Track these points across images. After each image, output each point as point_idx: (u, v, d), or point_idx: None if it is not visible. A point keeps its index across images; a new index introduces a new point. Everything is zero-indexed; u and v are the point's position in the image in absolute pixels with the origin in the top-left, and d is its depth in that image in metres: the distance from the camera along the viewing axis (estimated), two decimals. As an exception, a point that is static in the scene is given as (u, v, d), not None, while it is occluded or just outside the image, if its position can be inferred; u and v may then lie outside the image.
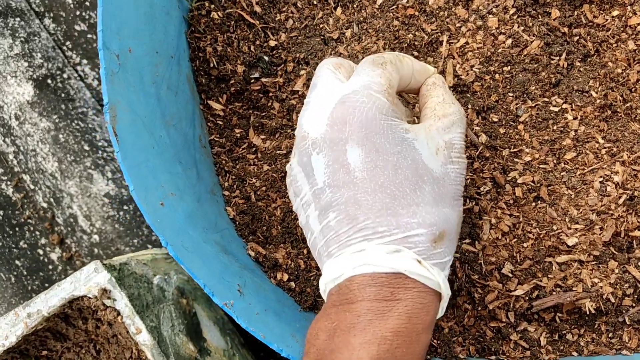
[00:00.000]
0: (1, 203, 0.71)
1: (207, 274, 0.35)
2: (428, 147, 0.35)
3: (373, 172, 0.33)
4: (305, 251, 0.44)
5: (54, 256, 0.71)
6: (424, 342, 0.33)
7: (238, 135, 0.46)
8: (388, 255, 0.32)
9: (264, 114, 0.47)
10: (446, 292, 0.34)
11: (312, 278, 0.42)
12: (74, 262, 0.72)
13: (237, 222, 0.44)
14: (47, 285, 0.70)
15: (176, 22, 0.43)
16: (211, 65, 0.46)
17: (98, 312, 0.53)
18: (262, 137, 0.46)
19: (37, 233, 0.71)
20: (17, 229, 0.71)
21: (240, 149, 0.46)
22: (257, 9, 0.46)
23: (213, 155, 0.46)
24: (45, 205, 0.70)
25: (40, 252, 0.71)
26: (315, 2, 0.45)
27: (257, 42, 0.47)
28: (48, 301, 0.52)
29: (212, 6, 0.46)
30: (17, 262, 0.71)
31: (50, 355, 0.56)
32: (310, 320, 0.40)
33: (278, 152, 0.45)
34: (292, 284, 0.42)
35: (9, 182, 0.71)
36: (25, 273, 0.71)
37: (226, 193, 0.45)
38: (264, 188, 0.44)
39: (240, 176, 0.45)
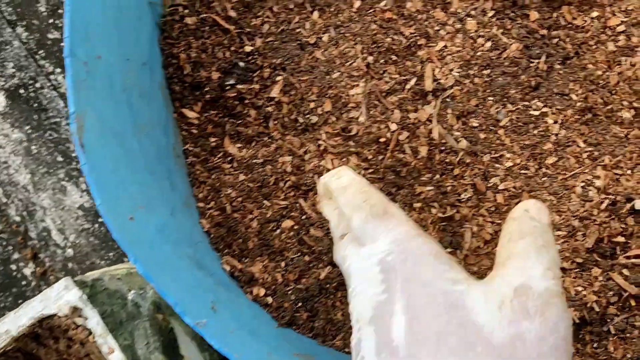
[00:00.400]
0: (-28, 217, 0.69)
1: (178, 291, 0.33)
2: (484, 302, 0.27)
3: (414, 347, 0.27)
4: (282, 264, 0.42)
5: (27, 271, 0.69)
6: None
7: (213, 144, 0.45)
8: None
9: (240, 121, 0.45)
10: None
11: (289, 292, 0.41)
12: (47, 277, 0.70)
13: (212, 235, 0.43)
14: (20, 301, 0.68)
15: (148, 28, 0.42)
16: (185, 72, 0.45)
17: (69, 331, 0.51)
18: (238, 145, 0.44)
19: (10, 248, 0.69)
20: (-12, 243, 0.69)
21: (216, 159, 0.44)
22: (232, 13, 0.45)
23: (187, 165, 0.44)
24: (18, 219, 0.68)
25: (14, 267, 0.69)
26: (291, 7, 0.44)
27: (232, 48, 0.46)
28: (16, 321, 0.50)
29: (186, 11, 0.45)
30: (-11, 277, 0.68)
31: (22, 375, 0.54)
32: (288, 338, 0.39)
33: (254, 160, 0.44)
34: (269, 299, 0.41)
35: (-21, 195, 0.69)
36: (-3, 289, 0.68)
37: (200, 205, 0.44)
38: (240, 199, 0.43)
39: (215, 187, 0.44)
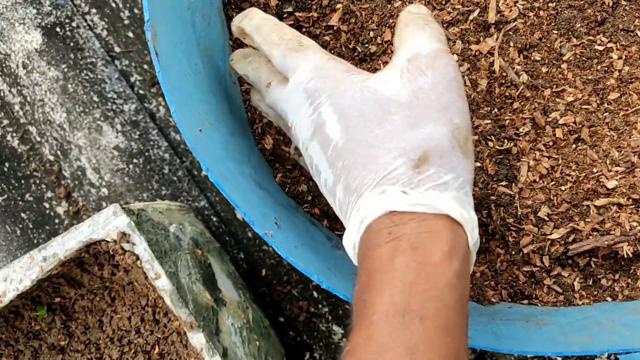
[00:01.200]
0: (6, 155, 0.70)
1: (246, 204, 0.34)
2: (389, 79, 0.33)
3: (347, 134, 0.33)
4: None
5: (60, 210, 0.70)
6: (446, 270, 0.30)
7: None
8: (375, 199, 0.31)
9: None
10: (457, 212, 0.31)
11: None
12: (80, 215, 0.70)
13: (268, 155, 0.43)
14: (52, 238, 0.68)
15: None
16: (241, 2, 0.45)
17: (116, 257, 0.51)
18: None
19: (43, 186, 0.69)
20: (22, 181, 0.69)
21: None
22: None
23: (242, 92, 0.44)
24: (52, 158, 0.69)
25: (47, 205, 0.70)
26: None
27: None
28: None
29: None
30: (22, 215, 0.69)
31: (64, 302, 0.55)
32: (344, 258, 0.39)
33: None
34: (325, 221, 0.41)
35: (14, 134, 0.69)
36: (30, 226, 0.69)
37: (257, 129, 0.44)
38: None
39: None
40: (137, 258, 0.49)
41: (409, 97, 0.33)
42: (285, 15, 0.44)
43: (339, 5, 0.43)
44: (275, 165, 0.43)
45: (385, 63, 0.43)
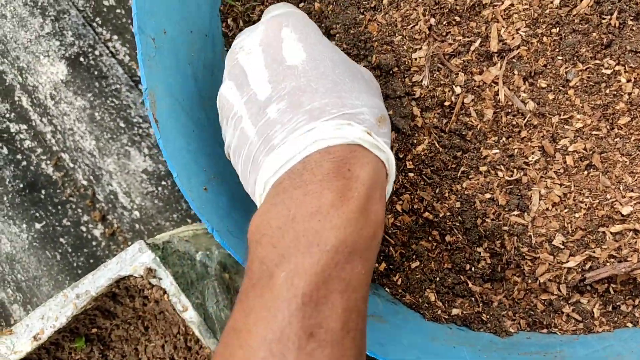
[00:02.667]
0: (42, 182, 0.73)
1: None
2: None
3: (313, 63, 0.34)
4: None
5: (96, 232, 0.73)
6: (379, 213, 0.32)
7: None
8: (340, 128, 0.32)
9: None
10: (393, 171, 0.35)
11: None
12: (116, 237, 0.74)
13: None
14: (91, 260, 0.72)
15: (208, -2, 0.43)
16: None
17: (145, 291, 0.54)
18: None
19: (79, 210, 0.73)
20: (59, 207, 0.73)
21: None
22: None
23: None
24: (85, 182, 0.72)
25: (84, 229, 0.73)
26: (350, -30, 0.44)
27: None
28: (96, 282, 0.53)
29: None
30: (61, 239, 0.73)
31: (100, 332, 0.58)
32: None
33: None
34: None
35: (48, 162, 0.72)
36: (70, 250, 0.73)
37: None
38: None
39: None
40: (165, 292, 0.52)
41: (369, 78, 0.38)
42: None
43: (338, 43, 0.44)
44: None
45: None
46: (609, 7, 0.41)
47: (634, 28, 0.41)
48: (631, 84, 0.41)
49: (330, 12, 0.44)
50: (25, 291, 0.73)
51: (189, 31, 0.39)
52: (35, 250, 0.72)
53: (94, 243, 0.72)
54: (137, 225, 0.71)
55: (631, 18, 0.41)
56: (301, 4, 0.44)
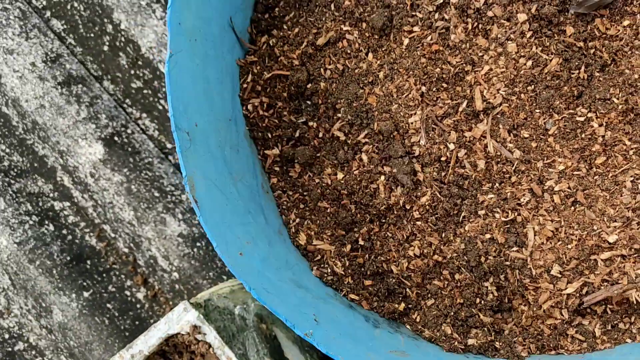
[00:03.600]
0: (87, 253, 0.80)
1: (286, 310, 0.41)
2: None
3: None
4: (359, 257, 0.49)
5: (140, 295, 0.79)
6: None
7: (294, 175, 0.53)
8: None
9: (314, 156, 0.53)
10: None
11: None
12: (158, 298, 0.80)
13: (303, 249, 0.50)
14: (137, 322, 0.78)
15: (229, 87, 0.50)
16: (262, 117, 0.53)
17: (191, 346, 0.60)
18: (327, 171, 0.51)
19: (123, 276, 0.79)
20: (104, 275, 0.79)
21: (297, 188, 0.52)
22: (296, 62, 0.52)
23: (275, 198, 0.52)
24: (126, 250, 0.78)
25: (128, 293, 0.79)
26: (348, 52, 0.51)
27: (298, 92, 0.52)
28: (147, 341, 0.60)
29: (258, 68, 0.52)
30: (108, 305, 0.79)
31: (154, 388, 0.64)
32: (383, 339, 0.46)
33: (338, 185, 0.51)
34: (364, 302, 0.48)
35: (91, 234, 0.79)
36: (116, 314, 0.79)
37: (292, 229, 0.52)
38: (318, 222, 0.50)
39: (300, 212, 0.51)
40: (210, 346, 0.58)
41: None
42: (298, 126, 0.52)
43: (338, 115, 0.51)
44: (310, 259, 0.51)
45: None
46: (577, 63, 0.47)
47: (601, 79, 0.47)
48: (603, 127, 0.47)
49: (334, 89, 0.51)
50: (78, 357, 0.79)
51: (216, 119, 0.47)
52: (85, 317, 0.79)
53: (138, 306, 0.79)
54: (177, 286, 0.78)
55: (597, 70, 0.47)
56: (309, 85, 0.51)
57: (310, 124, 0.51)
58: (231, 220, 0.44)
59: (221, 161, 0.46)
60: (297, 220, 0.51)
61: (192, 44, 0.44)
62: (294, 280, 0.47)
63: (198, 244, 0.77)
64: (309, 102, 0.51)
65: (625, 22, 0.47)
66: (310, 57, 0.52)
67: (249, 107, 0.51)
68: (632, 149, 0.46)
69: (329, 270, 0.50)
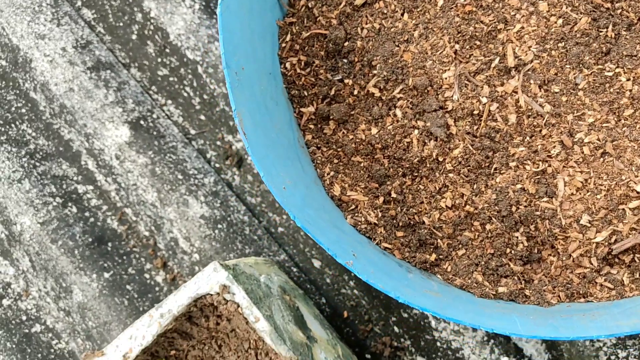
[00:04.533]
0: (109, 236, 0.81)
1: (328, 240, 0.43)
2: None
3: None
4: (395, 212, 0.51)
5: (159, 278, 0.80)
6: None
7: (328, 132, 0.55)
8: None
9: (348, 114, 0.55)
10: None
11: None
12: (177, 282, 0.81)
13: (339, 199, 0.52)
14: (155, 304, 0.78)
15: (270, 44, 0.52)
16: (299, 74, 0.55)
17: (219, 308, 0.61)
18: (362, 127, 0.53)
19: (142, 259, 0.80)
20: (124, 257, 0.80)
21: (331, 145, 0.54)
22: (334, 22, 0.55)
23: (310, 153, 0.54)
24: (147, 234, 0.80)
25: (147, 276, 0.80)
26: (385, 12, 0.54)
27: (336, 51, 0.55)
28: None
29: (297, 28, 0.55)
30: (127, 287, 0.80)
31: (178, 354, 0.65)
32: (416, 280, 0.47)
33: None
34: (396, 252, 0.50)
35: (113, 217, 0.81)
36: (136, 296, 0.79)
37: (326, 181, 0.53)
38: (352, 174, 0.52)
39: (334, 166, 0.53)
40: (238, 306, 0.59)
41: None
42: (335, 83, 0.54)
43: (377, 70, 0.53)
44: (344, 208, 0.53)
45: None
46: (605, 22, 0.50)
47: (628, 37, 0.50)
48: (631, 82, 0.49)
49: (370, 47, 0.53)
50: (96, 337, 0.79)
51: (258, 69, 0.49)
52: (105, 297, 0.79)
53: (157, 288, 0.79)
54: (196, 268, 0.79)
55: (624, 29, 0.50)
56: (346, 43, 0.54)
57: (346, 81, 0.54)
58: (274, 160, 0.45)
59: (263, 107, 0.48)
60: (332, 173, 0.53)
61: (241, -7, 0.47)
62: (331, 222, 0.48)
63: (219, 226, 0.78)
64: (345, 60, 0.54)
65: (651, -16, 0.50)
66: (348, 17, 0.54)
67: (287, 65, 0.54)
68: (659, 101, 0.49)
69: (363, 220, 0.51)
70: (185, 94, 0.81)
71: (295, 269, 0.75)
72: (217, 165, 0.78)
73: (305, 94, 0.55)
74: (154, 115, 0.81)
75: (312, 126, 0.55)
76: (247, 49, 0.48)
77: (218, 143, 0.78)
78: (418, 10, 0.53)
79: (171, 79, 0.81)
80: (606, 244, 0.48)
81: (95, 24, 0.84)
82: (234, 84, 0.43)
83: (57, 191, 0.81)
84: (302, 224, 0.42)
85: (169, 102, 0.81)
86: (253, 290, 0.61)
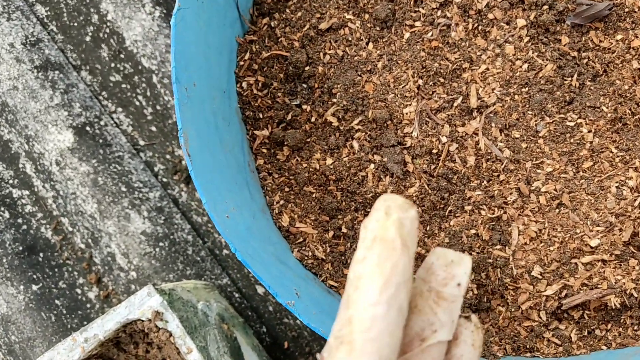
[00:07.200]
0: (41, 246, 0.76)
1: (269, 277, 0.40)
2: None
3: None
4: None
5: (91, 295, 0.76)
6: None
7: (281, 158, 0.52)
8: None
9: (303, 140, 0.53)
10: None
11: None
12: (110, 299, 0.76)
13: (286, 232, 0.49)
14: (85, 322, 0.74)
15: (226, 60, 0.50)
16: (255, 96, 0.53)
17: (150, 335, 0.57)
18: (317, 156, 0.51)
19: (75, 273, 0.76)
20: (56, 269, 0.76)
21: (283, 172, 0.51)
22: (297, 44, 0.53)
23: (260, 179, 0.51)
24: (83, 246, 0.75)
25: (79, 291, 0.76)
26: (349, 39, 0.52)
27: (295, 76, 0.53)
28: (104, 325, 0.56)
29: (257, 46, 0.53)
30: (56, 301, 0.75)
31: (102, 381, 0.60)
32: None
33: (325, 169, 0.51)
34: (342, 291, 0.47)
35: (48, 226, 0.76)
36: (64, 312, 0.75)
37: (275, 210, 0.51)
38: (302, 205, 0.50)
39: (285, 195, 0.51)
40: (170, 334, 0.55)
41: None
42: (291, 110, 0.52)
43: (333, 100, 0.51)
44: (291, 240, 0.50)
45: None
46: (570, 71, 0.49)
47: (592, 88, 0.49)
48: (592, 134, 0.49)
49: (332, 74, 0.51)
50: (18, 353, 0.74)
51: (211, 86, 0.46)
52: (31, 311, 0.74)
53: (88, 305, 0.75)
54: (132, 286, 0.75)
55: (589, 79, 0.50)
56: (307, 67, 0.52)
57: (304, 107, 0.52)
58: (220, 184, 0.43)
59: (213, 127, 0.45)
60: (281, 202, 0.50)
61: (199, 5, 0.44)
62: (275, 255, 0.46)
63: (161, 244, 0.74)
64: (304, 85, 0.52)
65: (618, 36, 0.50)
66: (311, 41, 0.52)
67: (244, 84, 0.51)
68: (618, 156, 0.48)
69: (310, 254, 0.49)
70: (137, 103, 0.77)
71: (237, 295, 0.72)
72: (164, 179, 0.75)
73: (261, 116, 0.52)
74: (102, 122, 0.77)
75: (265, 150, 0.52)
76: (202, 63, 0.45)
77: (167, 157, 0.75)
78: (384, 40, 0.52)
79: (124, 85, 0.77)
80: (556, 297, 0.47)
81: (48, 22, 0.80)
82: (182, 101, 0.40)
83: (-11, 194, 0.76)
84: (242, 258, 0.39)
85: (119, 109, 0.77)
86: (188, 319, 0.58)
